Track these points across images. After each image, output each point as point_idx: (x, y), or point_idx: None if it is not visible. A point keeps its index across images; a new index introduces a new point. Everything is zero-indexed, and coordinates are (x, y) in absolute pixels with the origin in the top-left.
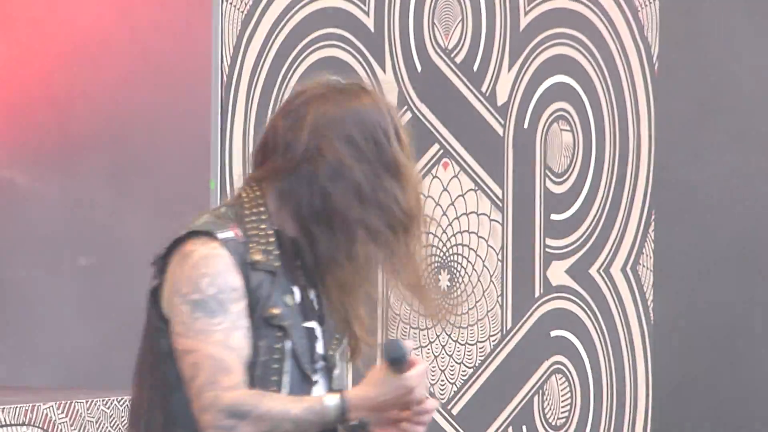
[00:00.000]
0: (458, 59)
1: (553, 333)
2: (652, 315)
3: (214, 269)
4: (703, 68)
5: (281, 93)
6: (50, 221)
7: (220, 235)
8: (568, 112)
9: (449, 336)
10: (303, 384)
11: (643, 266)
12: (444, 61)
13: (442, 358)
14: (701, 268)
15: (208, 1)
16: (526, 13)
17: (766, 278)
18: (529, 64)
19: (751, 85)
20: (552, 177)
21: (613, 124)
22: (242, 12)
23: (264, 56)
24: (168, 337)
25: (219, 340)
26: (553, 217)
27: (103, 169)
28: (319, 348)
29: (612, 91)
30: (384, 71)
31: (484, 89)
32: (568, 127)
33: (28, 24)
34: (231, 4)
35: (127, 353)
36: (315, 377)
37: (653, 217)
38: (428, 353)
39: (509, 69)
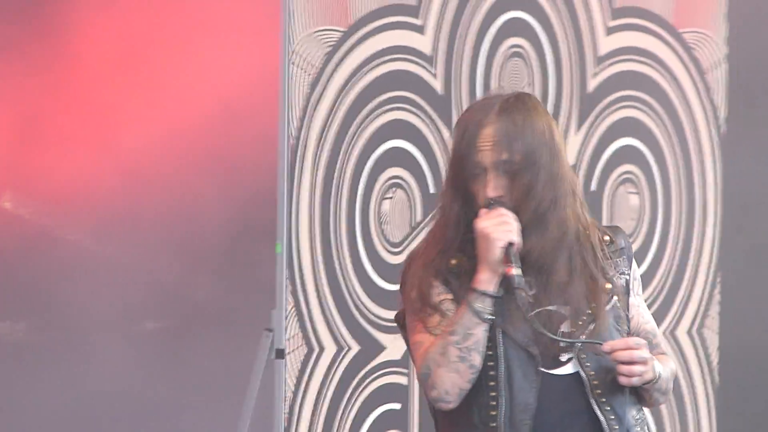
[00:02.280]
0: None
1: None
2: (717, 377)
3: None
4: None
5: (348, 156)
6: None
7: None
8: (635, 175)
9: None
10: (528, 361)
11: (709, 329)
12: None
13: None
14: (766, 329)
15: (275, 64)
16: (594, 76)
17: None
18: (597, 127)
19: None
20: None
21: (680, 187)
22: (309, 75)
23: (331, 119)
24: None
25: None
26: None
27: (172, 235)
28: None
29: (680, 154)
30: (451, 134)
31: None
32: (635, 190)
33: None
34: (298, 66)
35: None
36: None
37: (719, 279)
38: None
39: (577, 131)
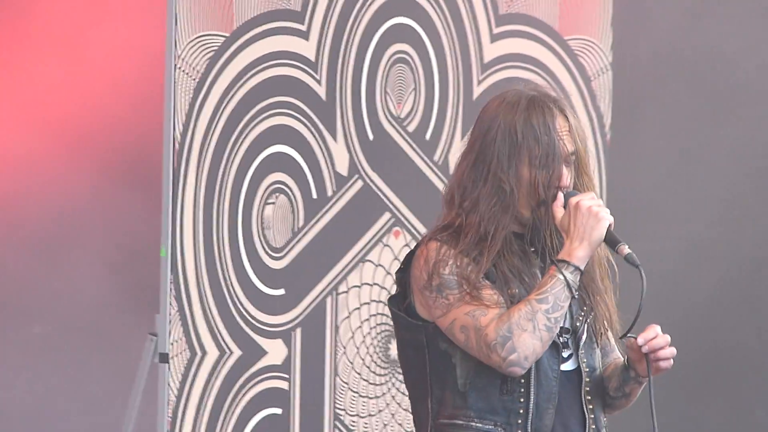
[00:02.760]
0: (410, 128)
1: None
2: None
3: None
4: (655, 138)
5: (231, 161)
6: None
7: None
8: None
9: (399, 405)
10: (552, 351)
11: None
12: (396, 129)
13: (392, 426)
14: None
15: (160, 68)
16: (479, 82)
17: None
18: None
19: (700, 155)
20: None
21: None
22: (194, 80)
23: (215, 124)
24: None
25: None
26: None
27: (56, 240)
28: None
29: None
30: (335, 140)
31: (436, 158)
32: None
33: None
34: (183, 71)
35: None
36: (563, 346)
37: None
38: (377, 422)
39: (462, 138)
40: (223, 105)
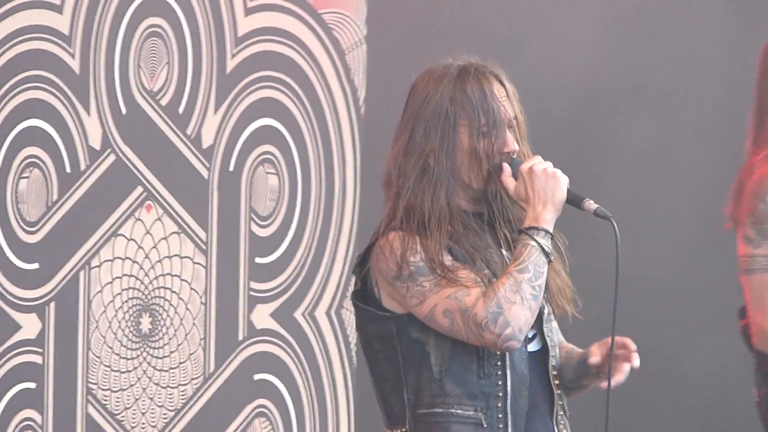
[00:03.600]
0: (163, 102)
1: (257, 376)
2: (354, 358)
3: None
4: None
5: None
6: None
7: None
8: (274, 155)
9: (150, 379)
10: None
11: (347, 309)
12: (149, 103)
13: (143, 400)
14: None
15: None
16: (233, 56)
17: None
18: (236, 107)
19: None
20: (257, 220)
21: (320, 168)
22: None
23: None
24: None
25: None
26: (258, 260)
27: None
28: None
29: (318, 135)
30: (89, 114)
31: (189, 132)
32: (273, 171)
33: None
34: None
35: None
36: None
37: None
38: (129, 396)
39: (215, 112)
40: None
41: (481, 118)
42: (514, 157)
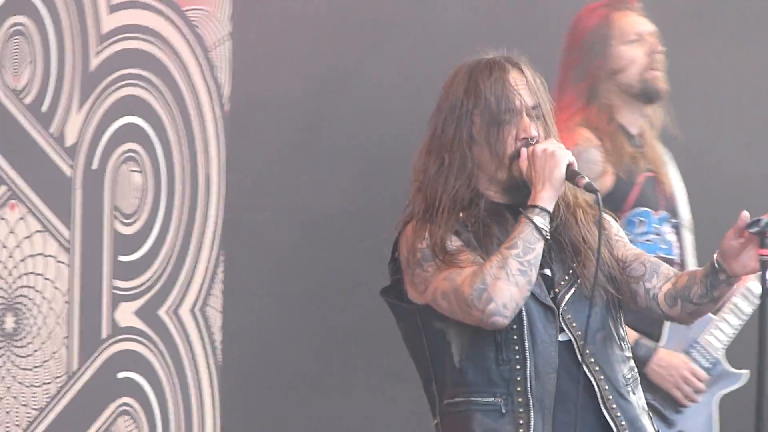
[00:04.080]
0: (27, 100)
1: (121, 374)
2: (220, 356)
3: None
4: (277, 108)
5: None
6: None
7: None
8: (138, 153)
9: (14, 378)
10: (548, 315)
11: (212, 307)
12: (12, 102)
13: (7, 400)
14: (271, 309)
15: None
16: (97, 54)
17: (338, 324)
18: (100, 105)
19: (320, 126)
20: (121, 218)
21: (184, 165)
22: None
23: None
24: None
25: None
26: (122, 258)
27: None
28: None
29: (183, 132)
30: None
31: (52, 130)
32: (138, 168)
33: None
34: None
35: None
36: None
37: (223, 258)
38: None
39: (79, 110)
40: None
41: (494, 106)
42: (533, 143)
